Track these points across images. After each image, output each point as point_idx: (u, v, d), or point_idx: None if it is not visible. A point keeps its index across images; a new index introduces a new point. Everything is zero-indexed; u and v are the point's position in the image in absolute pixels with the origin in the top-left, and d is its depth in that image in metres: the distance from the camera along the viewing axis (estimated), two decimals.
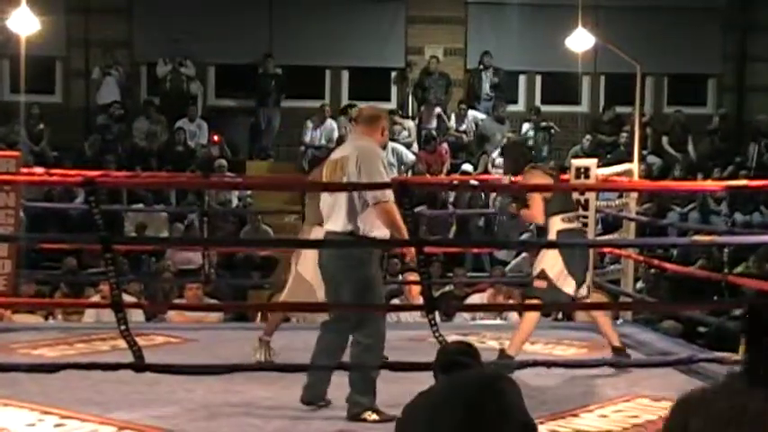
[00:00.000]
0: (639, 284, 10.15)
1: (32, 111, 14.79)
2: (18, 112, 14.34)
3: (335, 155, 5.93)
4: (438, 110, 15.69)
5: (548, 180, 6.91)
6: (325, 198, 5.81)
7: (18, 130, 14.42)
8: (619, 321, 8.74)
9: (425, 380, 6.10)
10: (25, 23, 9.44)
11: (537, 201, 6.82)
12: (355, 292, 5.64)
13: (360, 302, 5.64)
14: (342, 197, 5.63)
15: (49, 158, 14.10)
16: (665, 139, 15.65)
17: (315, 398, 5.82)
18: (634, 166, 9.19)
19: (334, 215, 5.70)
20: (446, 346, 4.18)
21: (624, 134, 15.03)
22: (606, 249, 9.71)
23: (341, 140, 15.04)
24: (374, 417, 5.60)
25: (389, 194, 5.56)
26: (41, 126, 14.91)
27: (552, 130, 15.67)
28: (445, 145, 15.06)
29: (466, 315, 9.64)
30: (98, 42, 15.68)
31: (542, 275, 6.74)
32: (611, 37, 11.86)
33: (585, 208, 8.43)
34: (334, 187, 5.77)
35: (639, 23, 15.79)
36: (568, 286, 6.74)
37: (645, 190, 10.90)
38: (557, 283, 6.70)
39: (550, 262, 6.74)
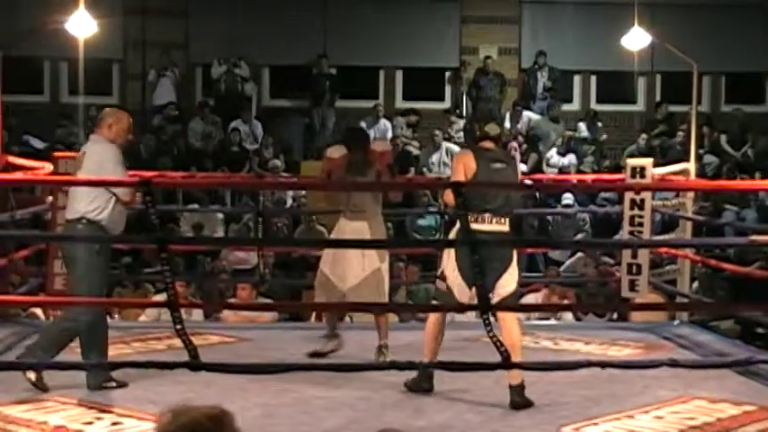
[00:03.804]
0: (696, 285, 10.06)
1: (90, 112, 14.93)
2: (76, 113, 14.52)
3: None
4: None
5: (472, 162, 6.08)
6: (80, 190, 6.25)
7: (77, 131, 14.59)
8: (675, 322, 8.67)
9: (479, 380, 6.12)
10: (83, 26, 9.52)
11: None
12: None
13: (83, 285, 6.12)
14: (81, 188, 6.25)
15: None
16: (723, 138, 15.48)
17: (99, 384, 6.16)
18: (691, 166, 9.11)
19: (75, 203, 6.21)
20: None
21: (681, 133, 14.90)
22: (662, 249, 9.62)
23: (394, 141, 15.09)
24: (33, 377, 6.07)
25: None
26: None
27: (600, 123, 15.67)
28: (514, 143, 15.04)
29: (520, 315, 9.60)
30: (154, 44, 15.83)
31: (442, 276, 6.19)
32: (667, 35, 11.75)
33: (641, 207, 8.36)
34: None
35: (696, 21, 15.65)
36: (459, 290, 6.04)
37: (701, 189, 10.80)
38: (451, 285, 6.11)
39: (450, 263, 6.13)
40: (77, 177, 6.33)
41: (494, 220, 6.04)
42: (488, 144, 6.17)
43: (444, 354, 6.56)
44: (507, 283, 6.02)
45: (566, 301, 9.90)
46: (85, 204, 6.15)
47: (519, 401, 5.95)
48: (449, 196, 6.09)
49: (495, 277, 5.95)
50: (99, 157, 6.20)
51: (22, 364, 6.23)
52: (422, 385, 6.23)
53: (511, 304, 6.11)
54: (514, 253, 6.11)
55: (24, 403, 5.89)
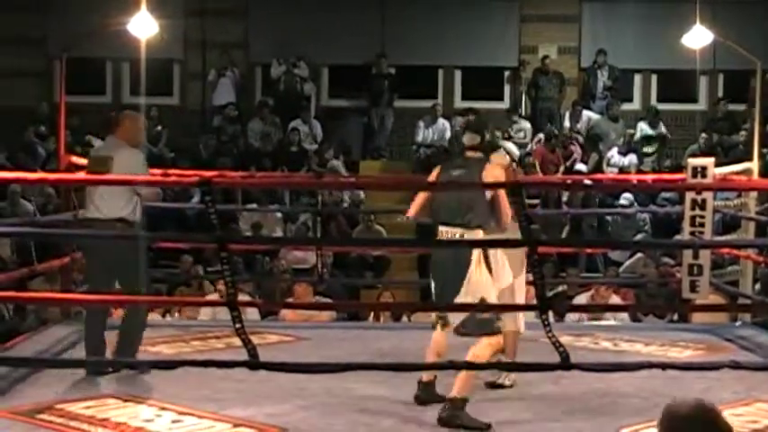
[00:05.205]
0: (758, 286, 9.93)
1: (151, 113, 15.10)
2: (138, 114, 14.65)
3: (99, 152, 7.00)
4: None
5: (435, 176, 5.91)
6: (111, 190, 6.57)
7: None
8: (737, 323, 8.57)
9: (536, 381, 6.10)
10: (145, 27, 9.62)
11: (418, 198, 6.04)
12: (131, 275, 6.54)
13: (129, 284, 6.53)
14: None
15: (167, 159, 14.39)
16: None
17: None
18: (753, 165, 8.99)
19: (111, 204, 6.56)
20: None
21: (743, 132, 14.72)
22: (724, 250, 9.52)
23: (452, 140, 15.06)
24: None
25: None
26: (160, 128, 15.23)
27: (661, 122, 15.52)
28: (576, 146, 14.95)
29: (576, 315, 9.55)
30: (214, 44, 15.95)
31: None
32: (729, 33, 11.59)
33: (703, 208, 8.27)
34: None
35: (759, 18, 15.43)
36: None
37: (764, 189, 10.64)
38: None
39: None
40: (106, 177, 6.53)
41: (448, 234, 5.71)
42: (471, 153, 5.91)
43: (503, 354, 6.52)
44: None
45: (615, 298, 9.83)
46: (121, 208, 6.53)
47: (444, 417, 5.57)
48: (410, 209, 6.07)
49: (451, 296, 5.68)
50: (128, 162, 6.58)
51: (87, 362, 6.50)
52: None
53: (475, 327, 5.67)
54: (469, 270, 5.59)
55: (86, 400, 5.97)
